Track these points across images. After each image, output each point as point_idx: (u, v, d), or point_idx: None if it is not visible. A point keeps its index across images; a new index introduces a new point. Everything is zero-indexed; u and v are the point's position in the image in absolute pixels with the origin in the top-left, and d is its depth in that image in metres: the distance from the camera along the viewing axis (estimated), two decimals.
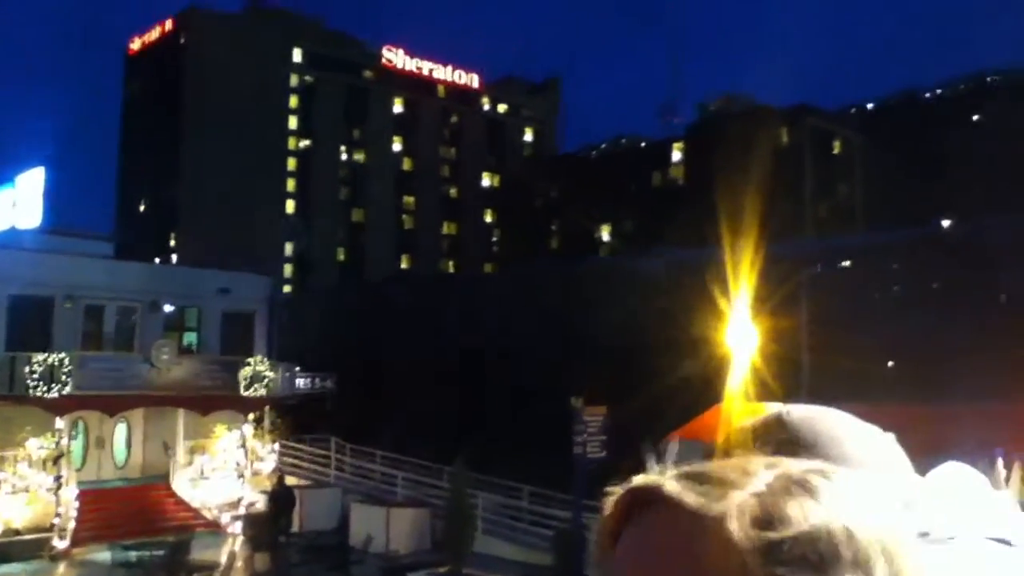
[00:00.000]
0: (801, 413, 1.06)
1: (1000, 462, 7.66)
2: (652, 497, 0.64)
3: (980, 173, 72.18)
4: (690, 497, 0.62)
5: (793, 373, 22.69)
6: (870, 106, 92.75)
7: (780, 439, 1.03)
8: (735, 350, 21.05)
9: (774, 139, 73.06)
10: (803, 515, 0.60)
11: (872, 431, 1.07)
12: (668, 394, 22.71)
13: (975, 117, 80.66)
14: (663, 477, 0.65)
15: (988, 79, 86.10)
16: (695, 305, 25.45)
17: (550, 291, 41.38)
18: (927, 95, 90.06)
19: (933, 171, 75.15)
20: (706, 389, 20.95)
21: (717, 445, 1.07)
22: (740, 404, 17.49)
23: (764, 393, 19.12)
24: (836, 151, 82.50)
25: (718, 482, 0.63)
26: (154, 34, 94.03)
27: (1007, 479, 7.55)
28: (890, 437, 1.10)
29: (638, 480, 0.67)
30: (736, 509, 0.60)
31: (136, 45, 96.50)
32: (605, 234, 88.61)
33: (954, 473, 1.72)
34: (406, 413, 35.70)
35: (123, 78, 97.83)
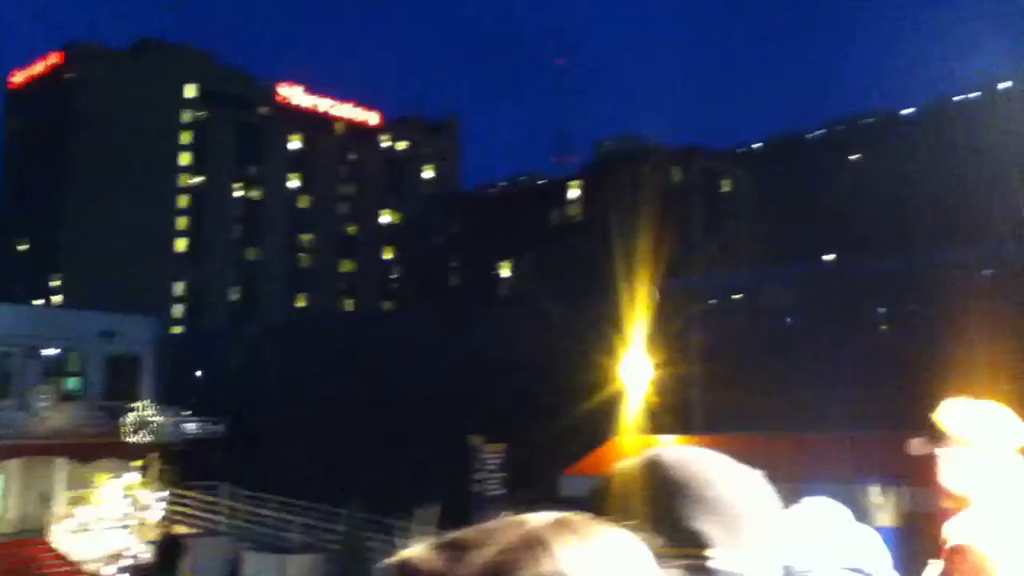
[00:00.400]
0: (675, 456, 1.10)
1: (874, 488, 8.01)
2: (411, 568, 0.71)
3: (858, 210, 75.88)
4: (438, 564, 0.69)
5: (685, 406, 23.22)
6: (756, 146, 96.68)
7: (654, 481, 1.06)
8: (629, 385, 21.46)
9: (666, 178, 75.32)
10: (535, 568, 0.67)
11: (743, 471, 1.10)
12: (567, 430, 22.94)
13: (852, 157, 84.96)
14: (420, 548, 0.72)
15: (865, 121, 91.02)
16: (592, 341, 25.86)
17: (451, 330, 41.34)
18: (809, 136, 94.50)
19: (816, 208, 78.63)
20: (605, 424, 21.27)
21: (602, 483, 1.11)
22: (633, 439, 17.78)
23: (657, 426, 19.53)
24: (726, 190, 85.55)
25: (469, 545, 0.70)
26: (38, 68, 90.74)
27: (880, 505, 7.89)
28: (758, 475, 1.13)
29: (402, 554, 0.73)
30: (476, 568, 0.67)
31: (18, 79, 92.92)
32: (505, 271, 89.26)
33: (816, 507, 1.79)
34: (301, 456, 34.91)
35: (2, 113, 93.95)
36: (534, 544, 0.71)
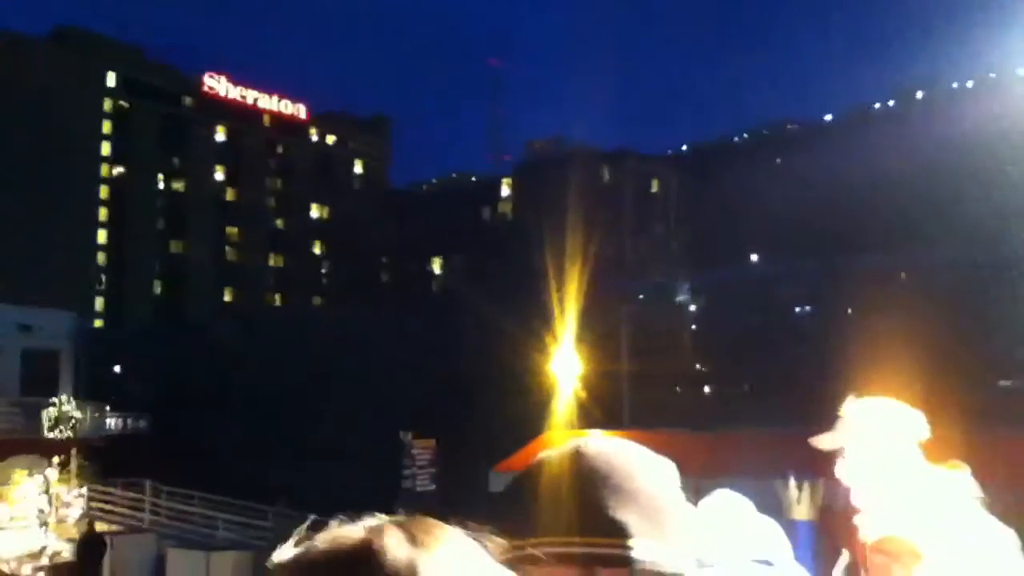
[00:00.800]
0: (598, 447, 1.11)
1: (792, 483, 8.29)
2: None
3: (782, 212, 77.79)
4: (292, 555, 0.78)
5: (615, 402, 23.59)
6: (684, 148, 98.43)
7: (577, 471, 1.08)
8: (560, 381, 21.74)
9: (597, 179, 76.15)
10: (362, 557, 0.75)
11: (663, 463, 1.13)
12: (501, 426, 23.08)
13: (777, 161, 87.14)
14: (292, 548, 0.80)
15: (788, 126, 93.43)
16: (524, 339, 26.08)
17: (382, 326, 41.13)
18: (735, 139, 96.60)
19: (741, 209, 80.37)
20: (535, 419, 21.48)
21: (524, 474, 1.12)
22: (562, 434, 18.02)
23: (588, 421, 19.83)
24: (654, 191, 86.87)
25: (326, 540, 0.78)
26: None
27: (798, 499, 8.17)
28: (672, 467, 1.16)
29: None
30: (312, 555, 0.76)
31: None
32: (436, 268, 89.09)
33: (724, 500, 1.89)
34: (227, 452, 34.36)
35: None
36: (367, 538, 0.77)
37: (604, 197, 73.18)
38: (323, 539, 0.78)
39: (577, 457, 1.09)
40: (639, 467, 1.09)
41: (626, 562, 1.02)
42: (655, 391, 28.09)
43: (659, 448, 1.15)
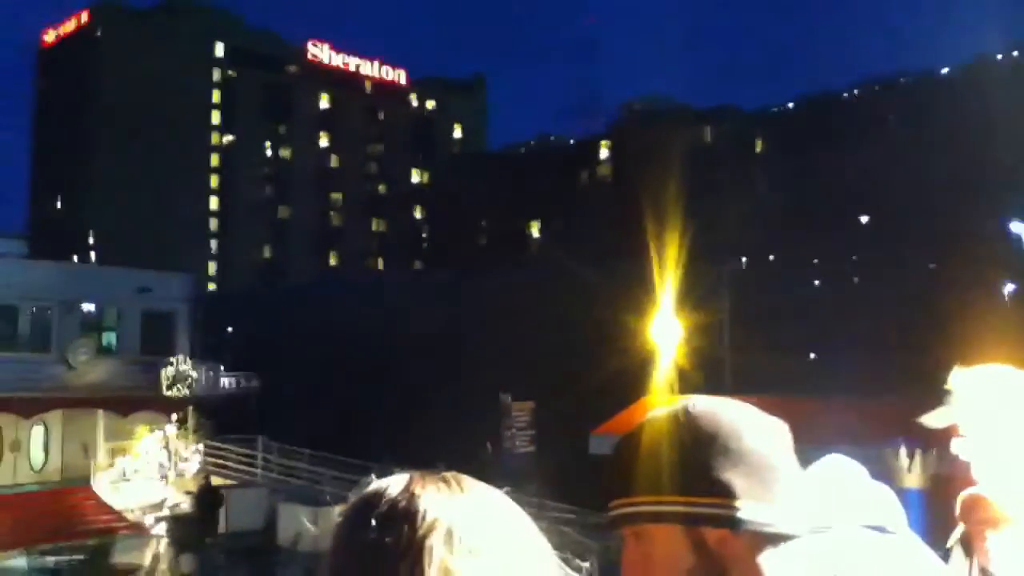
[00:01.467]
0: (704, 406, 1.11)
1: (903, 451, 8.06)
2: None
3: (894, 172, 74.76)
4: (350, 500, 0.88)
5: (716, 367, 23.28)
6: (790, 105, 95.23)
7: (683, 431, 1.08)
8: (660, 345, 21.54)
9: (696, 138, 74.58)
10: (401, 501, 0.83)
11: (772, 423, 1.12)
12: (597, 389, 23.09)
13: (889, 117, 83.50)
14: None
15: (902, 80, 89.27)
16: (622, 302, 25.93)
17: (481, 289, 41.52)
18: (845, 95, 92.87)
19: (850, 169, 77.55)
20: (635, 384, 21.40)
21: (636, 429, 1.13)
22: (663, 398, 17.91)
23: (687, 387, 19.63)
24: (755, 150, 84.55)
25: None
26: (69, 26, 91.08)
27: (909, 468, 7.95)
28: (785, 428, 1.14)
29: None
30: (360, 498, 0.87)
31: (50, 37, 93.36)
32: (534, 231, 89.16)
33: (834, 465, 1.85)
34: (333, 411, 35.46)
35: (36, 72, 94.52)
36: (405, 486, 0.85)
37: (704, 156, 71.72)
38: (369, 488, 0.87)
39: (683, 416, 1.09)
40: (747, 427, 1.08)
41: (733, 523, 1.02)
42: (757, 356, 27.57)
43: (767, 412, 1.13)
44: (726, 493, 1.03)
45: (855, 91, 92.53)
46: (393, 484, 0.86)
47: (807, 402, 15.51)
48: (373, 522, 0.82)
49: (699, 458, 1.05)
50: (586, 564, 0.96)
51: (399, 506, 0.82)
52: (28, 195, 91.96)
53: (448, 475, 0.88)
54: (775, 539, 1.04)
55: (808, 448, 1.17)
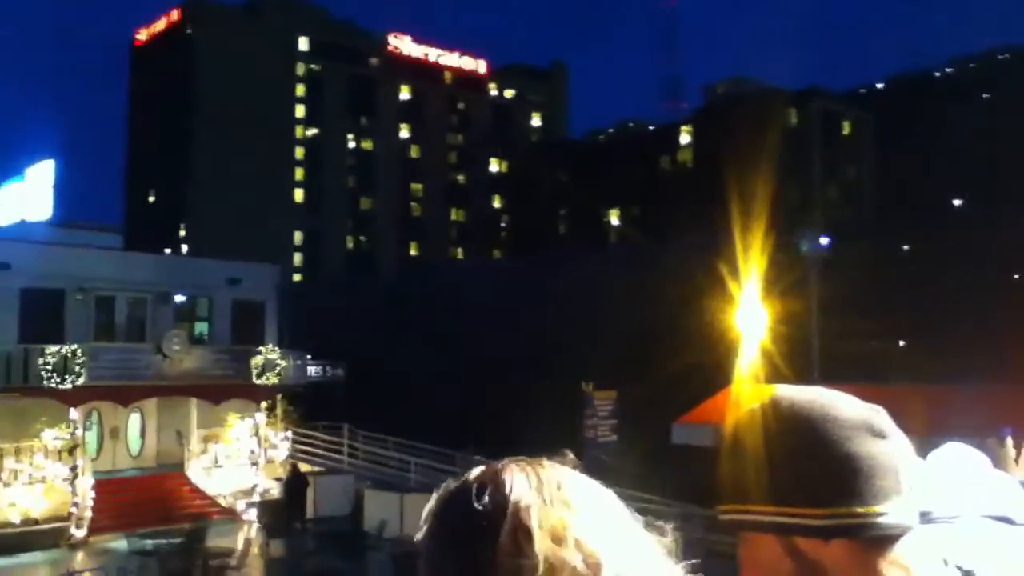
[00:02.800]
0: (797, 395, 1.06)
1: (1009, 441, 7.67)
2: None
3: (991, 153, 71.73)
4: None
5: (804, 355, 22.69)
6: (880, 86, 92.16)
7: (778, 421, 1.03)
8: (745, 333, 21.08)
9: (782, 121, 72.73)
10: (490, 488, 0.83)
11: (869, 413, 1.06)
12: (678, 379, 22.78)
13: (986, 95, 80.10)
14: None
15: (999, 56, 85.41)
16: (705, 289, 25.49)
17: (560, 278, 41.40)
18: (937, 74, 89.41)
19: (943, 151, 74.74)
20: (715, 373, 21.02)
21: (725, 427, 1.09)
22: (750, 387, 17.51)
23: (775, 375, 19.17)
24: (845, 132, 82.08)
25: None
26: (160, 25, 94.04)
27: (1016, 458, 7.57)
28: (880, 409, 1.09)
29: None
30: (453, 487, 0.88)
31: (143, 36, 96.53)
32: (614, 219, 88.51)
33: (955, 454, 1.74)
34: (416, 399, 35.87)
35: (130, 69, 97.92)
36: (490, 473, 0.85)
37: (791, 140, 69.93)
38: (458, 477, 0.88)
39: (777, 407, 1.04)
40: (840, 414, 1.02)
41: (873, 530, 0.97)
42: (847, 343, 26.80)
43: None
44: (825, 502, 0.98)
45: (948, 69, 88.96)
46: (476, 471, 0.86)
47: (905, 391, 14.99)
48: (467, 507, 0.82)
49: (789, 463, 1.00)
50: (669, 526, 0.92)
51: (491, 492, 0.82)
52: (123, 189, 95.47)
53: (538, 461, 0.87)
54: (877, 543, 0.99)
55: (912, 438, 1.07)
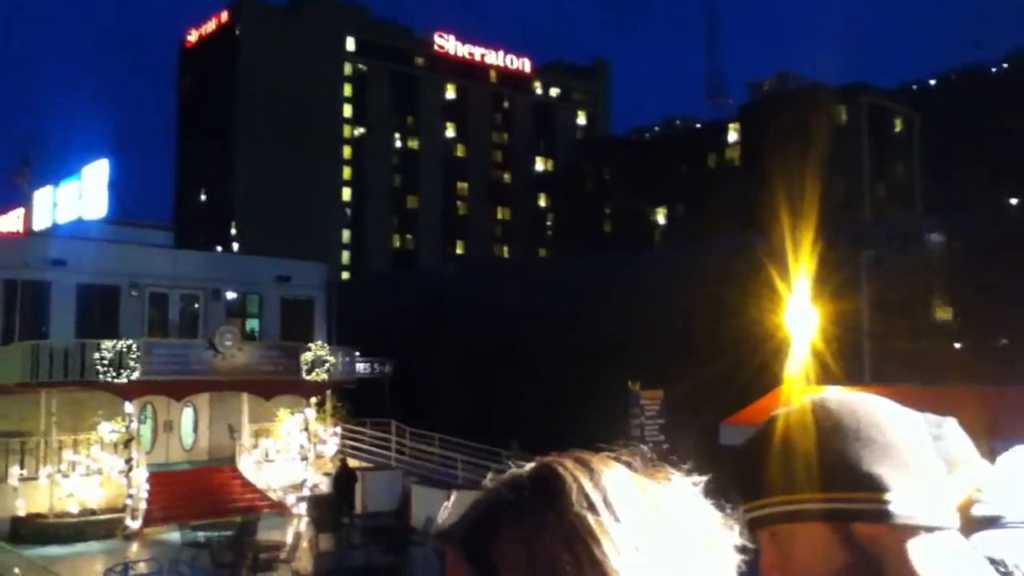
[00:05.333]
0: (841, 400, 1.08)
1: None
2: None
3: None
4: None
5: (854, 356, 22.39)
6: (932, 82, 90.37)
7: (821, 425, 1.04)
8: (794, 334, 20.85)
9: (830, 118, 71.70)
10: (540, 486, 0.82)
11: (910, 415, 1.08)
12: (725, 379, 22.61)
13: None
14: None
15: None
16: (752, 289, 25.25)
17: (606, 277, 41.29)
18: (992, 69, 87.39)
19: (997, 149, 73.07)
20: (762, 373, 20.83)
21: (769, 422, 1.10)
22: (800, 388, 17.34)
23: (825, 376, 18.96)
24: (895, 129, 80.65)
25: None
26: (210, 26, 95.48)
27: None
28: (951, 420, 1.11)
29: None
30: (504, 480, 0.86)
31: (193, 37, 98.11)
32: (660, 217, 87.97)
33: (1021, 457, 1.73)
34: (463, 397, 36.03)
35: (180, 70, 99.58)
36: (546, 464, 0.84)
37: (839, 137, 68.91)
38: (507, 473, 0.86)
39: (820, 410, 1.05)
40: (889, 419, 1.04)
41: (884, 516, 0.98)
42: (898, 344, 26.35)
43: (902, 404, 1.09)
44: (877, 487, 0.99)
45: (1004, 65, 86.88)
46: (527, 467, 0.85)
47: (959, 392, 14.74)
48: (515, 503, 0.80)
49: (843, 451, 1.01)
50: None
51: (542, 486, 0.81)
52: (175, 187, 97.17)
53: (582, 455, 0.86)
54: (930, 533, 1.00)
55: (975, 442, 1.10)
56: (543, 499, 0.79)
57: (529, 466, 0.84)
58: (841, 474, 1.00)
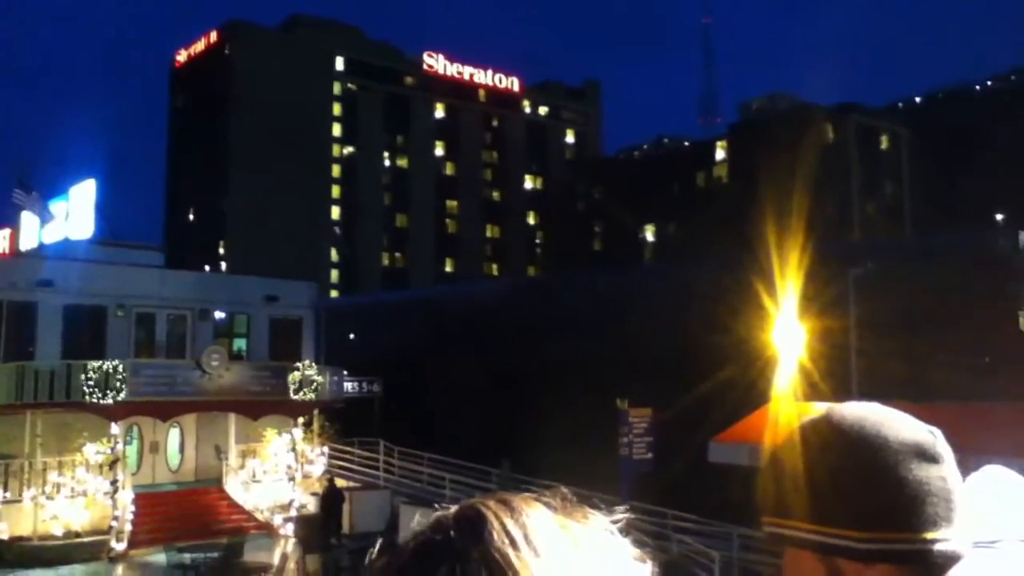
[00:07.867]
0: (848, 412, 1.06)
1: None
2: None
3: None
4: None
5: (842, 374, 22.43)
6: (918, 100, 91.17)
7: (828, 439, 1.03)
8: (782, 351, 20.89)
9: (819, 137, 72.17)
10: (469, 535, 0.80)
11: (925, 433, 1.05)
12: (713, 396, 22.60)
13: None
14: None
15: None
16: (739, 307, 25.31)
17: (595, 295, 41.32)
18: (977, 88, 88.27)
19: (984, 168, 73.64)
20: (751, 390, 20.84)
21: (764, 446, 1.12)
22: (788, 405, 17.35)
23: (813, 394, 18.98)
24: (883, 147, 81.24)
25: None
26: (199, 46, 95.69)
27: None
28: (937, 432, 1.08)
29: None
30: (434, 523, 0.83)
31: (182, 57, 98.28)
32: (649, 235, 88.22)
33: (995, 476, 1.72)
34: (452, 416, 35.91)
35: (170, 90, 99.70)
36: (470, 507, 0.82)
37: (827, 156, 69.33)
38: (437, 513, 0.85)
39: (827, 424, 1.04)
40: (891, 432, 1.01)
41: (927, 557, 0.96)
42: (886, 361, 26.42)
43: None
44: (871, 525, 0.97)
45: (988, 83, 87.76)
46: (454, 510, 0.84)
47: (945, 409, 14.75)
48: (444, 548, 0.79)
49: (841, 485, 0.99)
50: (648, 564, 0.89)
51: (463, 525, 0.80)
52: (164, 207, 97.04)
53: (507, 496, 0.85)
54: (924, 572, 0.97)
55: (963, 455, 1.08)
56: (467, 537, 0.80)
57: (453, 508, 0.85)
58: (830, 506, 0.99)
